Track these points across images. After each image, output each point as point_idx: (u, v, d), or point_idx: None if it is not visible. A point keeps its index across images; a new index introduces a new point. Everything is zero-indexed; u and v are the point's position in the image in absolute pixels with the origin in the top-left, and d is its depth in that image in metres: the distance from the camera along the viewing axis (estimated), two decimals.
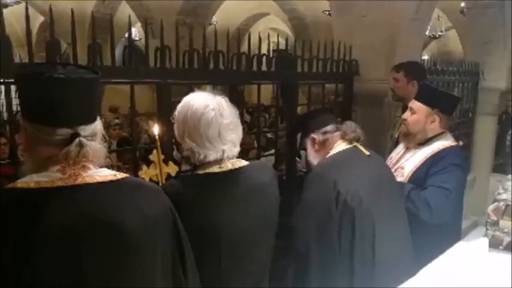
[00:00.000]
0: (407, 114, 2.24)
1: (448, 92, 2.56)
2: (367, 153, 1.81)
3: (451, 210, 2.08)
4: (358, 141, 1.83)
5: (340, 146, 1.83)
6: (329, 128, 1.87)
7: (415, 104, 2.21)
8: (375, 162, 1.86)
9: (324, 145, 1.87)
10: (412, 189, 2.06)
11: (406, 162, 2.23)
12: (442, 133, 2.22)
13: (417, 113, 2.19)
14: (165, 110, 1.99)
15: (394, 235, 1.76)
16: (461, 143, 4.48)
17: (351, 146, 1.82)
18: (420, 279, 1.66)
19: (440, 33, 9.40)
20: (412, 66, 2.78)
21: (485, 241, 1.90)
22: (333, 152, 1.84)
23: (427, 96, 2.19)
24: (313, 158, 1.90)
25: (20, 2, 6.92)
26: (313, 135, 1.89)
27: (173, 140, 1.79)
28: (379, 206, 1.68)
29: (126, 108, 7.16)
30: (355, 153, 1.80)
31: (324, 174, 1.72)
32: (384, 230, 1.68)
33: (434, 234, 2.02)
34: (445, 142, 2.19)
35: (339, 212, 1.60)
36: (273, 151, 2.89)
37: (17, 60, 1.69)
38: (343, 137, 1.84)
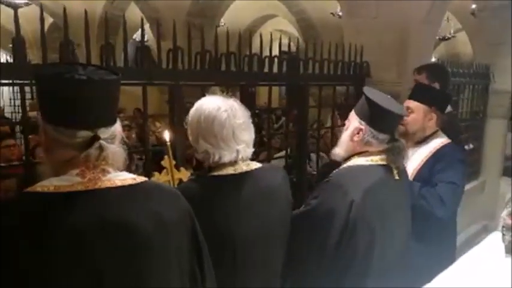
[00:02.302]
0: None
1: (441, 89, 2.56)
2: (397, 177, 1.67)
3: (459, 203, 2.17)
4: (397, 166, 1.67)
5: (373, 159, 1.65)
6: (382, 136, 1.64)
7: (412, 104, 2.23)
8: (401, 187, 1.72)
9: (360, 144, 1.66)
10: (422, 187, 2.09)
11: (408, 162, 2.24)
12: (437, 131, 2.27)
13: (415, 112, 2.21)
14: (177, 111, 1.98)
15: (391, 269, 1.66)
16: (471, 145, 4.46)
17: (385, 163, 1.65)
18: (437, 284, 1.64)
19: (449, 35, 9.33)
20: (434, 68, 2.80)
21: (501, 246, 1.87)
22: (364, 160, 1.65)
23: (424, 95, 2.22)
24: (343, 144, 1.71)
25: (29, 4, 6.95)
26: (362, 126, 1.65)
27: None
28: (384, 231, 1.61)
29: (132, 109, 7.16)
30: (385, 174, 1.64)
31: (344, 190, 1.55)
32: (382, 258, 1.60)
33: (437, 226, 2.11)
34: (442, 139, 2.25)
35: (346, 233, 1.52)
36: (283, 153, 2.87)
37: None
38: (382, 153, 1.65)
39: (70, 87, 0.97)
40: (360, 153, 1.68)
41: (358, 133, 1.66)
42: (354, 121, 1.69)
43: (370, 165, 1.64)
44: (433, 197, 2.03)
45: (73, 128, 0.99)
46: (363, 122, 1.65)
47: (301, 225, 1.59)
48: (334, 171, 1.69)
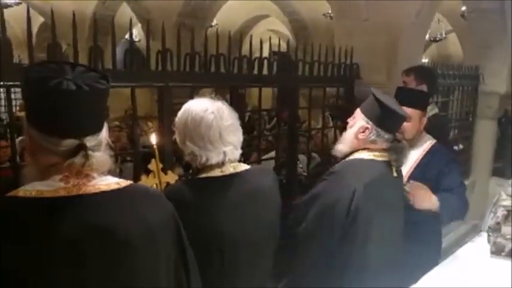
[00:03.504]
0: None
1: (422, 90, 2.52)
2: (395, 174, 1.73)
3: None
4: (398, 165, 1.73)
5: (375, 154, 1.70)
6: (387, 135, 1.69)
7: (408, 110, 2.10)
8: (397, 184, 1.79)
9: (365, 142, 1.71)
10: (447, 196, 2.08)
11: None
12: (422, 132, 2.29)
13: (412, 119, 2.13)
14: (166, 112, 1.98)
15: (387, 258, 1.71)
16: (461, 146, 4.51)
17: (385, 160, 1.71)
18: (423, 285, 1.65)
19: (440, 37, 9.42)
20: (422, 70, 2.80)
21: (487, 247, 1.90)
22: (367, 155, 1.71)
23: (415, 100, 2.18)
24: (347, 141, 1.75)
25: (20, 3, 6.90)
26: (369, 125, 1.69)
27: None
28: (381, 225, 1.65)
29: (121, 110, 7.10)
30: (385, 169, 1.70)
31: (347, 181, 1.61)
32: (377, 248, 1.64)
33: (425, 226, 2.12)
34: (430, 140, 2.28)
35: (347, 222, 1.56)
36: (273, 154, 2.88)
37: (15, 61, 1.66)
38: (385, 150, 1.70)
39: (57, 96, 0.93)
40: (362, 149, 1.72)
41: (363, 131, 1.70)
42: (359, 120, 1.73)
43: (372, 160, 1.69)
44: (462, 203, 2.06)
45: (58, 136, 0.96)
46: (369, 122, 1.69)
47: (305, 215, 1.62)
48: (337, 164, 1.73)
